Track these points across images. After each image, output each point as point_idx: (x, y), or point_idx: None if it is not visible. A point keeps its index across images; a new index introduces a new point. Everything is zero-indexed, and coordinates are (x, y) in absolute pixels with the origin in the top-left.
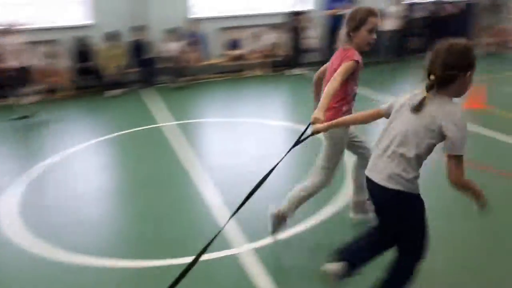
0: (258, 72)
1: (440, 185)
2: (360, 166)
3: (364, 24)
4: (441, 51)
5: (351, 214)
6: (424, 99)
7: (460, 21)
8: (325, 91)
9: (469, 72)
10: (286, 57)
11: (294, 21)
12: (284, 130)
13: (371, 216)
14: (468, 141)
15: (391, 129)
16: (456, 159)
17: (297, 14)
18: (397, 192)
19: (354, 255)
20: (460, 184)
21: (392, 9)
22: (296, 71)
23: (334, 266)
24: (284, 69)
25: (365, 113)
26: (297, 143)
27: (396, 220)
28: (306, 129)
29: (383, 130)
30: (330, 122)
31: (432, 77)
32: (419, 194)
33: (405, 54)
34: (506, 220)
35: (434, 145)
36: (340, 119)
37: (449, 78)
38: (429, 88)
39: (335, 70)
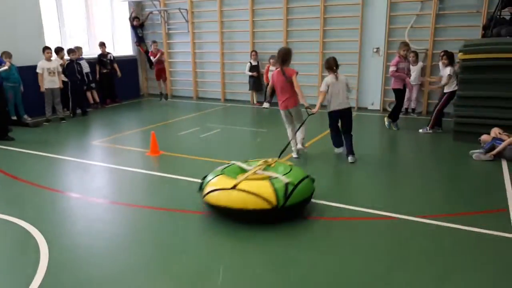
0: None
1: None
2: (293, 127)
3: (292, 54)
4: (331, 60)
5: (302, 146)
6: (337, 76)
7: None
8: (299, 94)
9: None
10: None
11: None
12: None
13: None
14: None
15: (337, 90)
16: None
17: None
18: (350, 107)
19: (340, 142)
20: None
21: (52, 64)
22: None
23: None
24: None
25: (321, 97)
26: (306, 118)
27: (350, 118)
28: (308, 116)
29: (332, 93)
30: (318, 104)
31: (334, 68)
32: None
33: (82, 108)
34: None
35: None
36: (318, 102)
37: (337, 68)
38: (335, 72)
39: (289, 80)
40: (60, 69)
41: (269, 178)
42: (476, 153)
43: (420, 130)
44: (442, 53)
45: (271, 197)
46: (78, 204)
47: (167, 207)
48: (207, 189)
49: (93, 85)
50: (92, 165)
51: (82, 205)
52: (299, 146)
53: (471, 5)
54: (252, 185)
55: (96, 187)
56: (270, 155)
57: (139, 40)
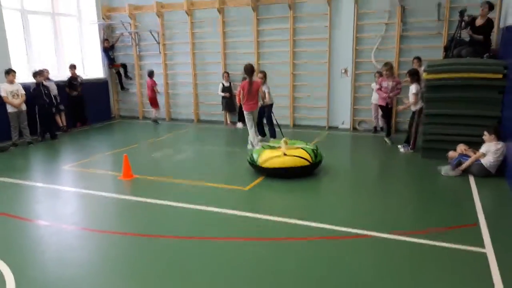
0: None
1: None
2: (254, 126)
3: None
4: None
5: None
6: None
7: (95, 96)
8: (263, 97)
9: None
10: None
11: None
12: None
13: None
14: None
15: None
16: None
17: None
18: None
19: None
20: None
21: (14, 87)
22: None
23: None
24: None
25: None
26: (263, 107)
27: None
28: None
29: (269, 93)
30: (268, 99)
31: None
32: None
33: (51, 131)
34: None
35: None
36: (268, 99)
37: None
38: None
39: (256, 89)
40: (23, 92)
41: (300, 148)
42: (444, 169)
43: (402, 150)
44: (406, 72)
45: (308, 157)
46: (47, 232)
47: (140, 232)
48: (261, 160)
49: (61, 107)
50: (62, 191)
51: (52, 233)
52: (256, 143)
53: (432, 27)
54: (294, 151)
55: (66, 214)
56: (246, 172)
57: (111, 61)
